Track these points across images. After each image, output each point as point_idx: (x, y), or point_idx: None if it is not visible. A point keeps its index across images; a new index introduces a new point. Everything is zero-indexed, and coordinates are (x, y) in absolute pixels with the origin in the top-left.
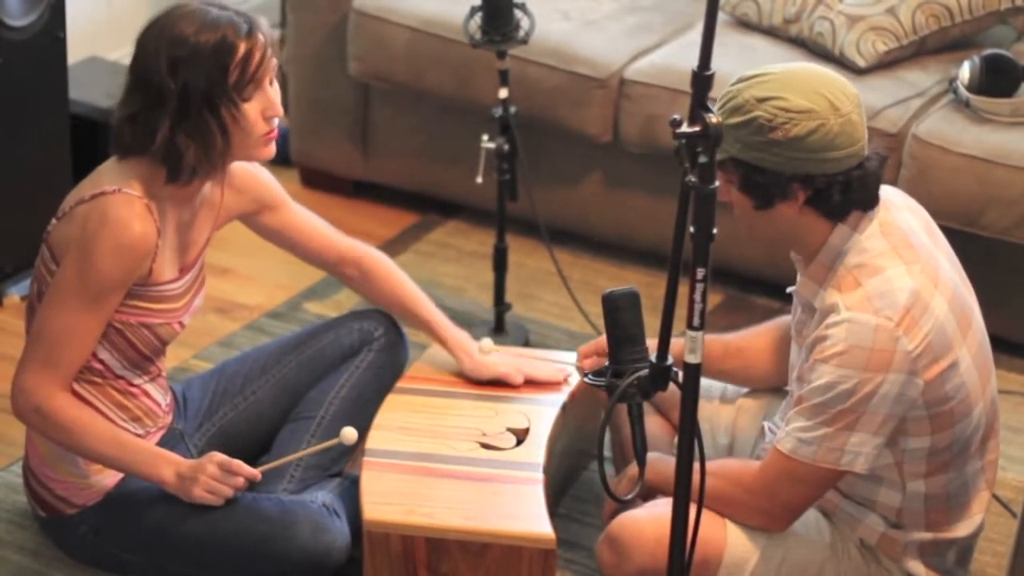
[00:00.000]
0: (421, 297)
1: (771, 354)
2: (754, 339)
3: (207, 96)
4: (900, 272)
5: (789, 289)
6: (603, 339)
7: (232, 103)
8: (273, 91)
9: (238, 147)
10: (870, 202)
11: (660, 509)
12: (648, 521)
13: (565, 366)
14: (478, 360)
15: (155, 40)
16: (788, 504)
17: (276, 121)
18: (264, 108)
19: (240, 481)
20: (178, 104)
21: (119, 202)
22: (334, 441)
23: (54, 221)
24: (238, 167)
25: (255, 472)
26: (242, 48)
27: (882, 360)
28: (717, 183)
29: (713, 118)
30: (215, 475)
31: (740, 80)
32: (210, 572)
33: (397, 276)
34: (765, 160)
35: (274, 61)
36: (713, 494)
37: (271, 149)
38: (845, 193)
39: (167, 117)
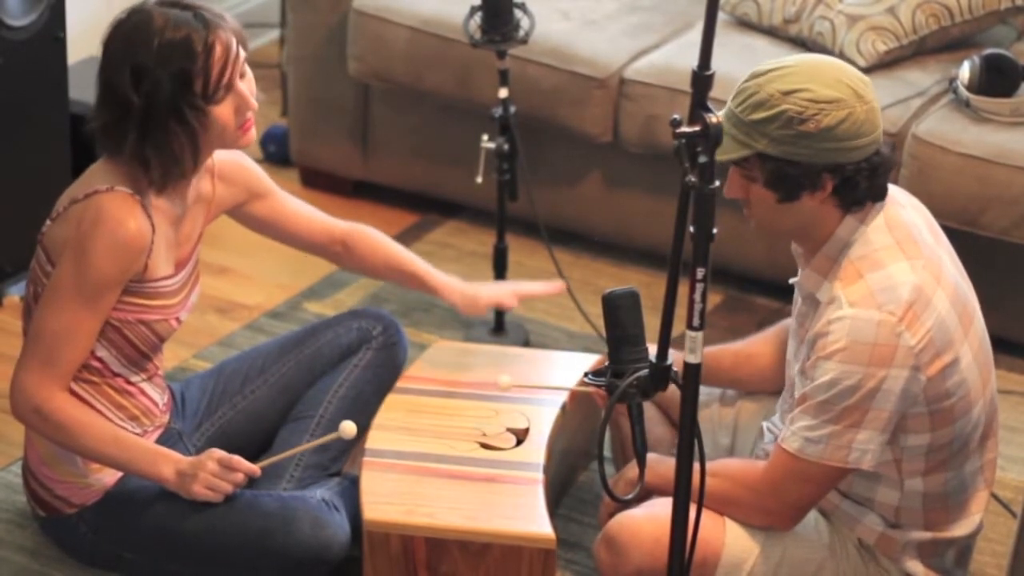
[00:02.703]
0: (405, 253)
1: (782, 358)
2: (763, 345)
3: (172, 107)
4: (903, 267)
5: (791, 280)
6: None
7: (199, 110)
8: (246, 83)
9: (213, 144)
10: (884, 191)
11: (658, 509)
12: (646, 521)
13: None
14: (470, 294)
15: (118, 50)
16: (795, 503)
17: (250, 114)
18: (237, 106)
19: (239, 477)
20: (143, 116)
21: (112, 200)
22: (333, 436)
23: (48, 222)
24: (226, 160)
25: (254, 467)
26: (203, 55)
27: (884, 355)
28: (717, 184)
29: (713, 118)
30: (214, 471)
31: (756, 75)
32: (211, 569)
33: (380, 240)
34: (796, 153)
35: (243, 55)
36: (717, 495)
37: (250, 136)
38: (871, 179)
39: (134, 129)
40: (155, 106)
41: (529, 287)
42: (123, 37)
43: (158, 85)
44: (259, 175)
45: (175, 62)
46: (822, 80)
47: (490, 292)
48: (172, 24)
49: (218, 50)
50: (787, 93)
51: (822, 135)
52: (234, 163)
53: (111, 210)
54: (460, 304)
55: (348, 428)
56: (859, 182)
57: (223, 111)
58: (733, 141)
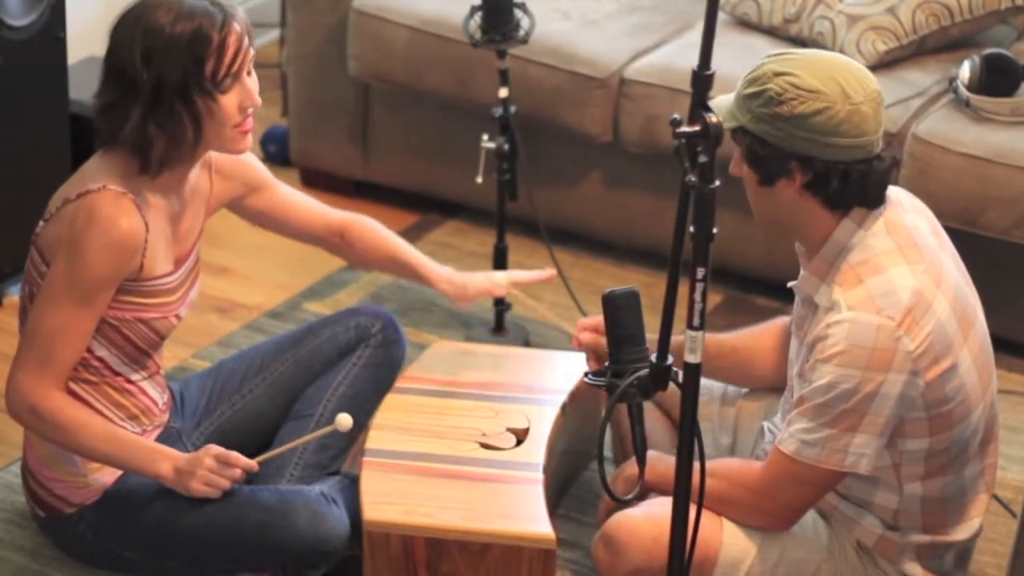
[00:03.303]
0: (400, 243)
1: (771, 354)
2: (752, 339)
3: (181, 88)
4: (903, 271)
5: (790, 284)
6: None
7: (208, 95)
8: (251, 81)
9: (212, 139)
10: (874, 201)
11: (656, 508)
12: (644, 520)
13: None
14: (459, 282)
15: (130, 30)
16: (791, 505)
17: (251, 110)
18: (241, 100)
19: (237, 473)
20: (151, 95)
21: (105, 199)
22: (329, 428)
23: (41, 223)
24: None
25: (252, 463)
26: (217, 39)
27: (883, 359)
28: (718, 184)
29: (713, 118)
30: (212, 467)
31: (768, 55)
32: (210, 565)
33: (376, 231)
34: (768, 133)
35: (252, 51)
36: (714, 495)
37: (247, 142)
38: (844, 183)
39: (139, 107)
40: (164, 86)
41: (519, 275)
42: (135, 19)
43: (170, 65)
44: (257, 168)
45: (189, 45)
46: (813, 71)
47: (479, 282)
48: (187, 9)
49: (232, 38)
50: (777, 74)
51: (795, 121)
52: (232, 157)
53: (103, 209)
54: (449, 292)
55: (344, 420)
56: (831, 182)
57: (228, 101)
58: (730, 112)
